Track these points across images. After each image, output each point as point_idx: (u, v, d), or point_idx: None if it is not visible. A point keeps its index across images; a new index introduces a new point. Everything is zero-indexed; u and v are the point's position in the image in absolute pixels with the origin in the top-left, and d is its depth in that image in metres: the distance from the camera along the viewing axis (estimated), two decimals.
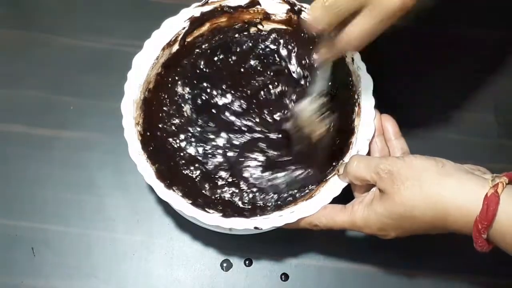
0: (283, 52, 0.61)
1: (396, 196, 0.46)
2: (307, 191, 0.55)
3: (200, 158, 0.58)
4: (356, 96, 0.56)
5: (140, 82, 0.56)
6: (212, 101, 0.60)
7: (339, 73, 0.57)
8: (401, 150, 0.53)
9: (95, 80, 0.64)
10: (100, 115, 0.62)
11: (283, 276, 0.58)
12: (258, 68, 0.61)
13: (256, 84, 0.60)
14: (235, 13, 0.60)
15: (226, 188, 0.57)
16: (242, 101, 0.60)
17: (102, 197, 0.60)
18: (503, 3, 0.68)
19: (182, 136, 0.58)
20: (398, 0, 0.44)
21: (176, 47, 0.59)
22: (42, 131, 0.62)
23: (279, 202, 0.55)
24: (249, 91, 0.60)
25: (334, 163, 0.55)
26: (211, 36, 0.60)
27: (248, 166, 0.58)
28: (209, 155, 0.58)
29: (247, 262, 0.58)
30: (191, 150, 0.58)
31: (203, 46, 0.60)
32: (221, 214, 0.53)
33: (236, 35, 0.61)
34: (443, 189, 0.44)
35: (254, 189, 0.57)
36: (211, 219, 0.52)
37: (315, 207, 0.51)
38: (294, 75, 0.60)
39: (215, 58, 0.61)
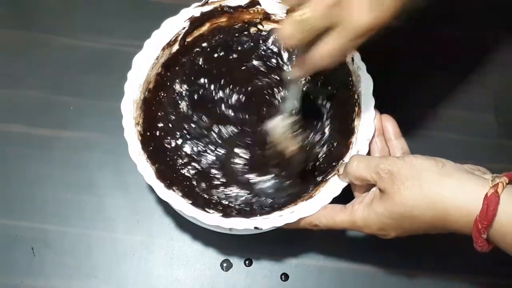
0: (284, 53, 0.61)
1: (396, 196, 0.46)
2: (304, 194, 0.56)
3: (194, 156, 0.58)
4: (356, 96, 0.56)
5: (140, 82, 0.56)
6: (209, 96, 0.60)
7: (339, 73, 0.57)
8: (401, 150, 0.53)
9: (95, 80, 0.64)
10: (100, 115, 0.62)
11: (283, 276, 0.58)
12: (260, 68, 0.61)
13: (257, 81, 0.60)
14: (235, 13, 0.60)
15: (221, 189, 0.57)
16: (240, 96, 0.60)
17: (102, 197, 0.60)
18: (503, 3, 0.68)
19: (178, 134, 0.58)
20: (368, 21, 0.43)
21: (176, 47, 0.59)
22: (42, 131, 0.62)
23: (275, 205, 0.55)
24: (249, 88, 0.60)
25: (334, 163, 0.55)
26: (211, 36, 0.60)
27: (237, 164, 0.57)
28: (202, 152, 0.58)
29: (247, 262, 0.58)
30: (187, 149, 0.58)
31: (203, 45, 0.60)
32: (221, 214, 0.53)
33: (236, 35, 0.61)
34: (443, 189, 0.44)
35: (247, 192, 0.57)
36: (211, 219, 0.52)
37: (315, 207, 0.51)
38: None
39: (215, 55, 0.61)
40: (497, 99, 0.65)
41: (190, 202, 0.53)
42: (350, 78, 0.57)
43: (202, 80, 0.60)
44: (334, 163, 0.55)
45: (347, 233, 0.59)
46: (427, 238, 0.48)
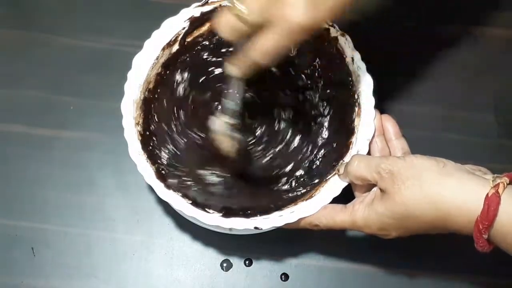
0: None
1: (397, 196, 0.46)
2: (304, 191, 0.55)
3: (185, 152, 0.58)
4: (356, 96, 0.56)
5: (140, 82, 0.56)
6: (209, 73, 0.60)
7: (339, 73, 0.57)
8: (401, 150, 0.53)
9: (95, 80, 0.64)
10: (100, 115, 0.62)
11: (283, 276, 0.58)
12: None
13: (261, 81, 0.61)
14: None
15: (217, 187, 0.57)
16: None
17: (102, 197, 0.60)
18: (503, 2, 0.68)
19: (173, 125, 0.58)
20: (302, 21, 0.43)
21: (176, 47, 0.59)
22: (42, 131, 0.62)
23: (271, 205, 0.55)
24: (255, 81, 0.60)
25: (334, 163, 0.55)
26: (211, 36, 0.60)
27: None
28: (191, 147, 0.58)
29: (247, 262, 0.58)
30: (180, 142, 0.58)
31: (204, 43, 0.60)
32: (221, 214, 0.53)
33: None
34: (443, 189, 0.44)
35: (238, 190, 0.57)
36: (211, 219, 0.52)
37: (315, 207, 0.51)
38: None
39: (222, 50, 0.60)
40: (497, 99, 0.65)
41: (190, 202, 0.53)
42: (350, 78, 0.57)
43: (207, 68, 0.60)
44: (334, 163, 0.55)
45: (347, 233, 0.59)
46: (427, 238, 0.48)
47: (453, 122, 0.64)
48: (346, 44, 0.56)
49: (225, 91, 0.52)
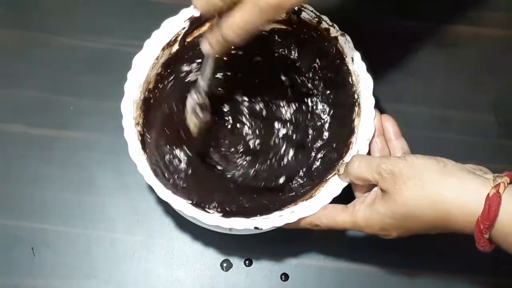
0: (286, 53, 0.61)
1: (398, 196, 0.46)
2: (304, 191, 0.55)
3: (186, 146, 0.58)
4: (356, 96, 0.56)
5: (140, 82, 0.56)
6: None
7: (339, 73, 0.57)
8: (401, 150, 0.53)
9: (95, 80, 0.64)
10: (100, 115, 0.62)
11: (283, 276, 0.58)
12: (263, 64, 0.61)
13: (262, 78, 0.61)
14: None
15: (217, 186, 0.56)
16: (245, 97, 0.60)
17: (102, 197, 0.60)
18: (504, 2, 0.68)
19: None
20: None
21: (176, 47, 0.59)
22: (42, 131, 0.62)
23: (271, 205, 0.55)
24: (256, 80, 0.60)
25: (334, 163, 0.55)
26: None
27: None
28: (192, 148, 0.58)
29: (247, 262, 0.58)
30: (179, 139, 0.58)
31: None
32: (221, 214, 0.53)
33: None
34: (444, 189, 0.44)
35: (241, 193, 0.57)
36: (211, 219, 0.52)
37: (316, 207, 0.51)
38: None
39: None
40: (497, 99, 0.65)
41: (190, 202, 0.53)
42: (350, 78, 0.57)
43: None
44: (334, 163, 0.55)
45: (347, 233, 0.59)
46: (427, 238, 0.48)
47: (453, 122, 0.64)
48: (346, 44, 0.56)
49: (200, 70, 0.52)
